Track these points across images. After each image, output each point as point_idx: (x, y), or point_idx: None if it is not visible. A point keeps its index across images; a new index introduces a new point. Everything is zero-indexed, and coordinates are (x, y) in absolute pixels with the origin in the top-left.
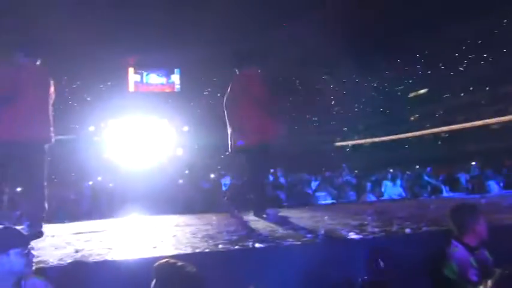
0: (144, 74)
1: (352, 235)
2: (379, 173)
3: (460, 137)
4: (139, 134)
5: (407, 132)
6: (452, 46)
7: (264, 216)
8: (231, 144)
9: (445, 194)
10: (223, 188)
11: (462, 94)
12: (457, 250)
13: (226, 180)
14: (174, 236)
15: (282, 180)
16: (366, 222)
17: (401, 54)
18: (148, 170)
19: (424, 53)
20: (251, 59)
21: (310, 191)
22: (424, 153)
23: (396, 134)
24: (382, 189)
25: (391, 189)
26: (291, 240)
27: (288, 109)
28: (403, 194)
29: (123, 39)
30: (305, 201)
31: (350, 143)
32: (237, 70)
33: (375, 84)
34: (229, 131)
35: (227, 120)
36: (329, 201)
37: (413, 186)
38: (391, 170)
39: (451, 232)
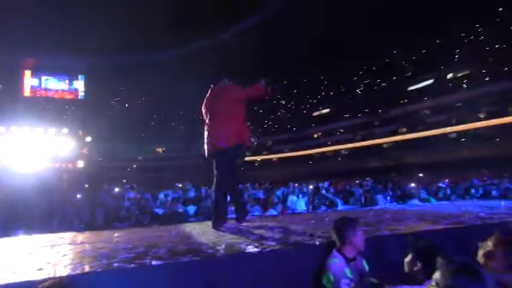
0: (43, 78)
1: (251, 249)
2: (286, 187)
3: (358, 154)
4: (33, 144)
5: (311, 148)
6: (351, 72)
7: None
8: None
9: (340, 207)
10: (126, 203)
11: (359, 115)
12: (335, 261)
13: (132, 195)
14: (65, 255)
15: (191, 193)
16: (265, 236)
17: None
18: (41, 183)
19: (329, 76)
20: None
21: None
22: (325, 168)
23: (301, 150)
24: (288, 203)
25: (296, 203)
26: (190, 256)
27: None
28: (305, 208)
29: (16, 38)
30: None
31: (259, 158)
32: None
33: (283, 103)
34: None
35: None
36: None
37: (314, 200)
38: (296, 184)
39: (334, 243)
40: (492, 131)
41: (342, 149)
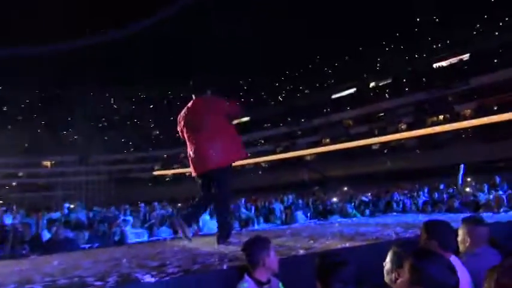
0: None
1: (148, 278)
2: None
3: (279, 166)
4: None
5: None
6: (272, 77)
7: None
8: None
9: (256, 226)
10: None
11: (281, 124)
12: (245, 286)
13: (9, 219)
14: None
15: (81, 216)
16: (167, 262)
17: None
18: None
19: (248, 81)
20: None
21: (118, 229)
22: (244, 183)
23: None
24: (200, 224)
25: (210, 224)
26: None
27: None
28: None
29: None
30: (112, 241)
31: (170, 172)
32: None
33: None
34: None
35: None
36: (145, 238)
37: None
38: None
39: (246, 267)
40: (413, 142)
41: (262, 162)
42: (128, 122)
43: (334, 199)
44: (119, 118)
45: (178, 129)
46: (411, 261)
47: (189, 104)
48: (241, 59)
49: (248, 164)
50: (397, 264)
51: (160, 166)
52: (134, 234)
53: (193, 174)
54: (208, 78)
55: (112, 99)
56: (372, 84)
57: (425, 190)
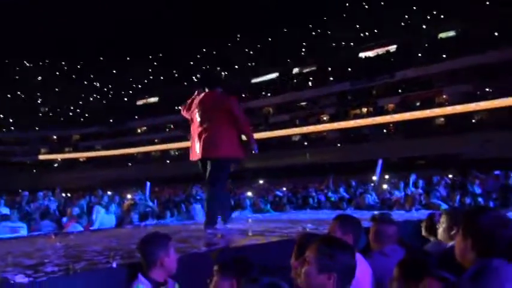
0: None
1: (20, 278)
2: (94, 196)
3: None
4: None
5: (133, 147)
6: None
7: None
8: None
9: (155, 221)
10: None
11: None
12: (141, 287)
13: None
14: None
15: None
16: (46, 260)
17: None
18: None
19: (160, 57)
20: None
21: None
22: (150, 172)
23: (119, 149)
24: (94, 217)
25: (105, 217)
26: None
27: None
28: (116, 222)
29: None
30: None
31: (60, 156)
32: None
33: (98, 85)
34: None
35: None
36: (23, 233)
37: (130, 212)
38: (109, 193)
39: (140, 266)
40: (335, 134)
41: (171, 149)
42: (8, 95)
43: (249, 193)
44: None
45: (185, 113)
46: (318, 247)
47: (203, 95)
48: (156, 31)
49: (155, 152)
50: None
51: (48, 149)
52: (9, 228)
53: (194, 158)
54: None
55: None
56: (295, 70)
57: (342, 186)
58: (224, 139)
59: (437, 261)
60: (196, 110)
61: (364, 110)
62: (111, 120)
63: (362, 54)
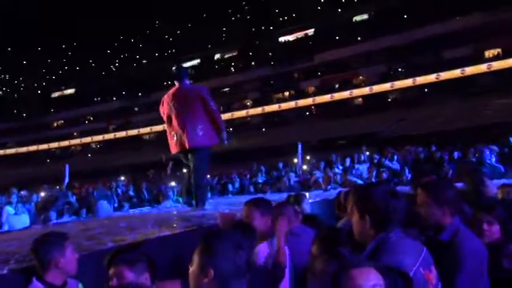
0: None
1: None
2: (5, 196)
3: (112, 148)
4: None
5: (49, 141)
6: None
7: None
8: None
9: (67, 218)
10: None
11: (114, 98)
12: None
13: None
14: None
15: None
16: None
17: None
18: None
19: (73, 46)
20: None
21: None
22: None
23: (35, 145)
24: (3, 219)
25: (15, 218)
26: None
27: None
28: (28, 223)
29: None
30: None
31: None
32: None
33: (7, 77)
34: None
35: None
36: None
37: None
38: (23, 193)
39: (35, 269)
40: (258, 119)
41: (91, 142)
42: None
43: (172, 183)
44: None
45: (161, 110)
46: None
47: (175, 89)
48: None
49: (74, 146)
50: None
51: None
52: None
53: (174, 151)
54: None
55: None
56: (217, 56)
57: (263, 169)
58: (202, 129)
59: (346, 237)
60: (171, 104)
61: (286, 93)
62: (24, 115)
63: (282, 39)
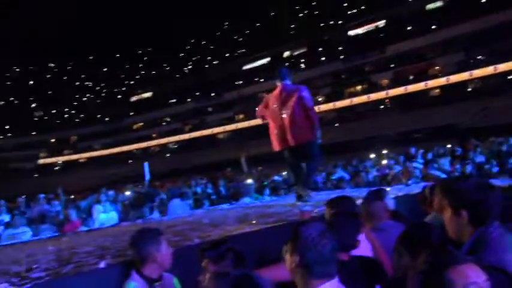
0: None
1: (4, 287)
2: (95, 195)
3: (188, 147)
4: None
5: (130, 143)
6: (177, 46)
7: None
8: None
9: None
10: None
11: (189, 100)
12: (133, 285)
13: None
14: None
15: None
16: (35, 266)
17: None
18: None
19: (149, 51)
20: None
21: None
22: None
23: (117, 147)
24: (94, 217)
25: (105, 216)
26: None
27: None
28: (117, 220)
29: None
30: None
31: (60, 159)
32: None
33: (90, 84)
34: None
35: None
36: (26, 238)
37: (129, 209)
38: (111, 192)
39: (133, 263)
40: (331, 115)
41: (169, 143)
42: (2, 102)
43: (249, 180)
44: None
45: (260, 109)
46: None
47: (277, 89)
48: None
49: (153, 146)
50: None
51: (47, 153)
52: (9, 235)
53: (277, 149)
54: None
55: None
56: (286, 54)
57: (340, 166)
58: (305, 125)
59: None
60: (275, 104)
61: (358, 87)
62: (106, 119)
63: (352, 32)
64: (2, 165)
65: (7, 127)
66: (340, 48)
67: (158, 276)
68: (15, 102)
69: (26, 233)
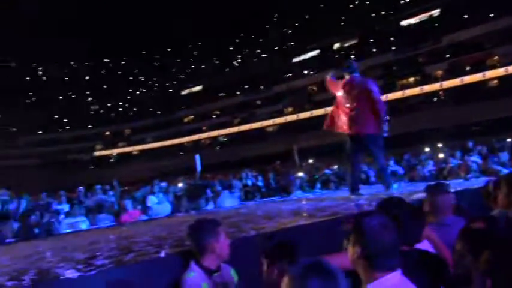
0: None
1: (70, 273)
2: (149, 187)
3: (238, 140)
4: None
5: (181, 136)
6: (226, 40)
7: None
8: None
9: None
10: None
11: (238, 93)
12: (192, 276)
13: None
14: None
15: (10, 205)
16: (98, 254)
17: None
18: None
19: (199, 45)
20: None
21: (51, 219)
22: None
23: (169, 139)
24: (147, 207)
25: (159, 207)
26: None
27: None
28: (170, 211)
29: None
30: (42, 232)
31: (114, 151)
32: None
33: (142, 79)
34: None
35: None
36: (83, 227)
37: (182, 200)
38: (163, 184)
39: (191, 253)
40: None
41: (219, 136)
42: (60, 96)
43: (300, 173)
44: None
45: (331, 86)
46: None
47: (345, 81)
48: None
49: (203, 139)
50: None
51: (102, 145)
52: (69, 224)
53: (341, 130)
54: None
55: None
56: (336, 46)
57: (392, 159)
58: (370, 118)
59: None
60: (342, 91)
61: (411, 79)
62: (158, 112)
63: (404, 22)
64: (61, 156)
65: (65, 120)
66: (392, 39)
67: (216, 267)
68: (73, 96)
69: (84, 222)
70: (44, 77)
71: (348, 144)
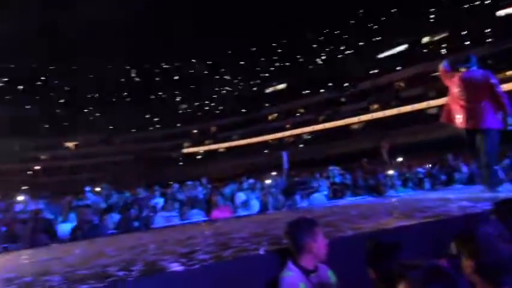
0: None
1: (175, 266)
2: (236, 183)
3: (322, 138)
4: None
5: (265, 134)
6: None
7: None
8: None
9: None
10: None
11: (322, 90)
12: (289, 275)
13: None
14: None
15: (113, 199)
16: (197, 248)
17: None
18: None
19: (283, 43)
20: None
21: (149, 212)
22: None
23: (254, 137)
24: (237, 203)
25: (247, 203)
26: (93, 282)
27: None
28: (258, 208)
29: None
30: (141, 226)
31: (202, 149)
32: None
33: (228, 77)
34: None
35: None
36: (176, 222)
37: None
38: (251, 181)
39: (289, 252)
40: None
41: (303, 133)
42: (152, 97)
43: (390, 172)
44: (140, 92)
45: (445, 77)
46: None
47: (462, 74)
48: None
49: (287, 137)
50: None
51: (190, 143)
52: (165, 218)
53: (462, 126)
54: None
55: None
56: (425, 40)
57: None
58: (489, 112)
59: None
60: (458, 84)
61: (509, 73)
62: (243, 110)
63: (501, 12)
64: (153, 153)
65: (156, 119)
66: (487, 30)
67: (314, 267)
68: (163, 96)
69: (177, 217)
70: (137, 79)
71: (468, 139)
